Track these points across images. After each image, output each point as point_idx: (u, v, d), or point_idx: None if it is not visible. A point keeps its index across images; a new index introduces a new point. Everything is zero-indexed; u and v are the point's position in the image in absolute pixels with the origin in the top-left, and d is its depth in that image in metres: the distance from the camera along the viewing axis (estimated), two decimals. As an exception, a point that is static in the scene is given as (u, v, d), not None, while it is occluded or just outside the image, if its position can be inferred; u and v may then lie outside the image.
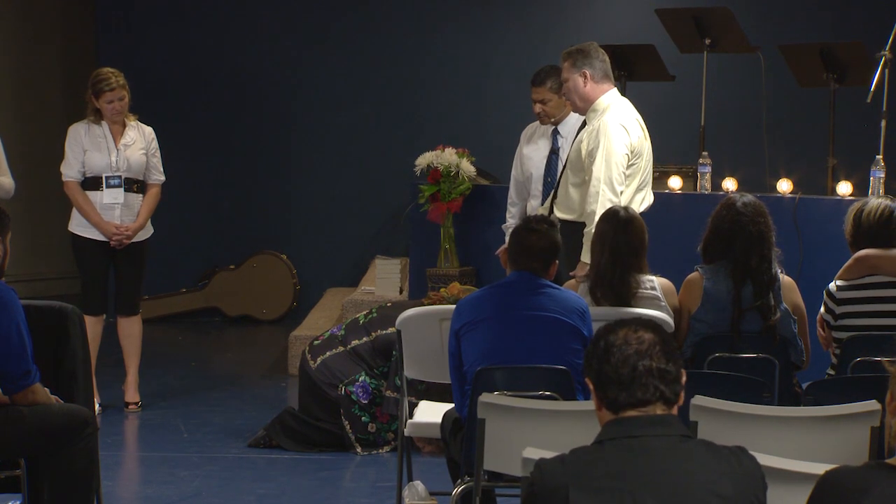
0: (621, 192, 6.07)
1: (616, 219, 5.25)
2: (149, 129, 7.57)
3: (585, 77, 6.24)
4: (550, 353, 4.61)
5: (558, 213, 6.30)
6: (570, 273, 5.82)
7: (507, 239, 7.41)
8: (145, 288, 7.99)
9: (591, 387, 2.91)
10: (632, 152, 6.15)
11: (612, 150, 6.09)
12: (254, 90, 11.22)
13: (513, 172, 7.57)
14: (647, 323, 2.92)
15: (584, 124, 6.41)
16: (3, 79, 11.09)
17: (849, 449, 3.89)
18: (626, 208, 5.45)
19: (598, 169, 6.07)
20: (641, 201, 6.21)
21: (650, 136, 6.33)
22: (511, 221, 7.46)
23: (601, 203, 5.90)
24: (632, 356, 2.85)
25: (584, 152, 6.19)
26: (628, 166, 6.13)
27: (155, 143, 7.57)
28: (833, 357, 5.17)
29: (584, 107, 6.30)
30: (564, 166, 6.51)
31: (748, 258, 5.08)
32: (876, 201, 5.26)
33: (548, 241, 4.77)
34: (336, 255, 11.10)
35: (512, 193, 7.57)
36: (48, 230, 10.69)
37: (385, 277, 9.25)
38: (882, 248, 5.15)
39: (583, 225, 6.09)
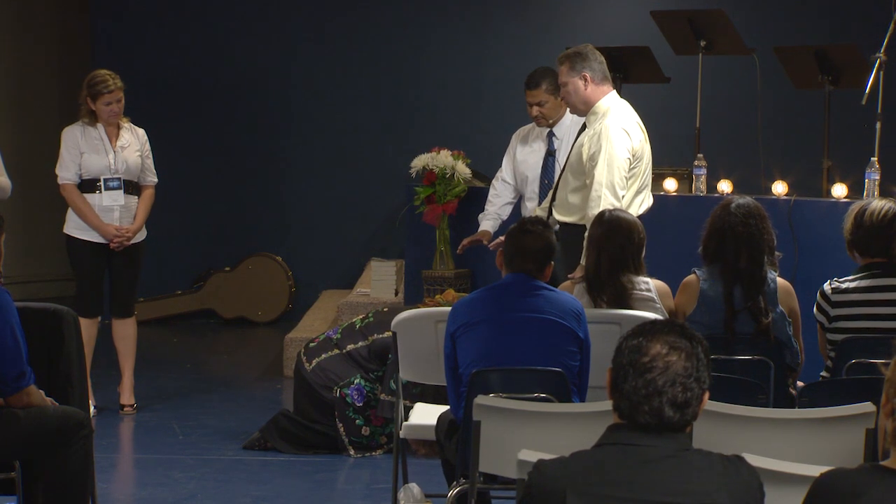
0: (623, 196, 6.07)
1: (603, 221, 5.28)
2: (141, 131, 7.57)
3: (586, 80, 6.23)
4: (546, 355, 4.60)
5: (557, 216, 6.30)
6: (569, 275, 5.82)
7: (480, 227, 7.46)
8: (140, 290, 7.98)
9: (608, 377, 2.90)
10: (633, 156, 6.15)
11: (614, 155, 6.08)
12: (248, 92, 11.22)
13: (501, 173, 7.52)
14: (682, 347, 2.84)
15: (582, 126, 6.40)
16: (-2, 80, 11.10)
17: (844, 451, 3.89)
18: (613, 210, 5.45)
19: (601, 173, 6.06)
20: (641, 204, 6.21)
21: (647, 137, 6.33)
22: (490, 209, 7.44)
23: (603, 207, 5.89)
24: (649, 381, 2.82)
25: (584, 156, 6.18)
26: (629, 170, 6.13)
27: (147, 145, 7.57)
28: (827, 359, 5.17)
29: (586, 110, 6.28)
30: (563, 169, 6.50)
31: (738, 259, 5.09)
32: (879, 202, 5.23)
33: (542, 243, 4.76)
34: (331, 257, 11.10)
35: (496, 189, 7.51)
36: (43, 232, 10.68)
37: (380, 279, 9.24)
38: (880, 249, 5.15)
39: (582, 227, 6.07)
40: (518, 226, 4.88)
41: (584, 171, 6.20)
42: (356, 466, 6.61)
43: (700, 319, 5.09)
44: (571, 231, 6.15)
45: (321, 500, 6.06)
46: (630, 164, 6.13)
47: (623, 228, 5.23)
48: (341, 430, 6.74)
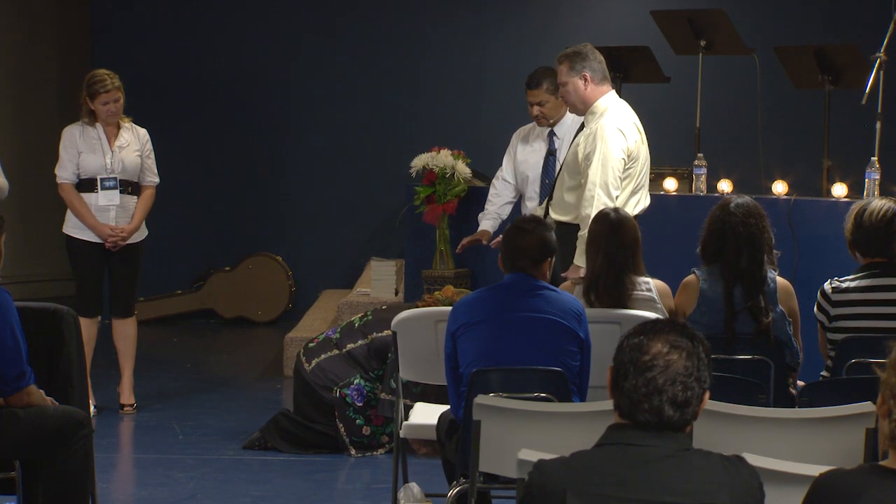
0: (617, 197, 6.07)
1: (607, 221, 5.26)
2: (143, 131, 7.57)
3: (586, 80, 6.23)
4: (546, 354, 4.61)
5: (554, 215, 6.31)
6: (563, 275, 5.83)
7: (480, 226, 7.47)
8: (140, 290, 7.98)
9: (609, 375, 2.90)
10: (628, 156, 6.15)
11: (609, 155, 6.08)
12: (249, 91, 11.21)
13: (501, 172, 7.52)
14: (683, 346, 2.84)
15: (581, 126, 6.40)
16: (-2, 80, 11.10)
17: (844, 451, 3.89)
18: (616, 210, 5.45)
19: (594, 173, 6.07)
20: (636, 204, 6.21)
21: (645, 137, 6.33)
22: (490, 209, 7.44)
23: (596, 207, 5.90)
24: (649, 380, 2.81)
25: (580, 155, 6.19)
26: (624, 170, 6.13)
27: (149, 145, 7.57)
28: (827, 359, 5.17)
29: (584, 109, 6.29)
30: (561, 168, 6.50)
31: (738, 259, 5.09)
32: (879, 202, 5.23)
33: (537, 240, 4.75)
34: (331, 257, 11.09)
35: (496, 188, 7.51)
36: (43, 231, 10.68)
37: (380, 279, 9.24)
38: (880, 248, 5.15)
39: (577, 227, 6.09)
40: (514, 225, 4.90)
41: (579, 171, 6.20)
42: (356, 466, 6.61)
43: (700, 319, 5.08)
44: (568, 230, 6.15)
45: (321, 500, 6.06)
46: (625, 165, 6.13)
47: (627, 229, 5.23)
48: (342, 430, 6.73)
